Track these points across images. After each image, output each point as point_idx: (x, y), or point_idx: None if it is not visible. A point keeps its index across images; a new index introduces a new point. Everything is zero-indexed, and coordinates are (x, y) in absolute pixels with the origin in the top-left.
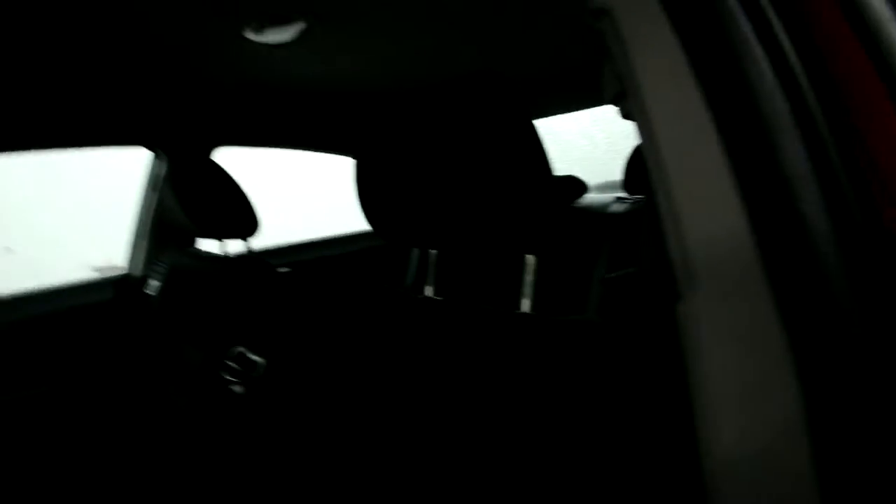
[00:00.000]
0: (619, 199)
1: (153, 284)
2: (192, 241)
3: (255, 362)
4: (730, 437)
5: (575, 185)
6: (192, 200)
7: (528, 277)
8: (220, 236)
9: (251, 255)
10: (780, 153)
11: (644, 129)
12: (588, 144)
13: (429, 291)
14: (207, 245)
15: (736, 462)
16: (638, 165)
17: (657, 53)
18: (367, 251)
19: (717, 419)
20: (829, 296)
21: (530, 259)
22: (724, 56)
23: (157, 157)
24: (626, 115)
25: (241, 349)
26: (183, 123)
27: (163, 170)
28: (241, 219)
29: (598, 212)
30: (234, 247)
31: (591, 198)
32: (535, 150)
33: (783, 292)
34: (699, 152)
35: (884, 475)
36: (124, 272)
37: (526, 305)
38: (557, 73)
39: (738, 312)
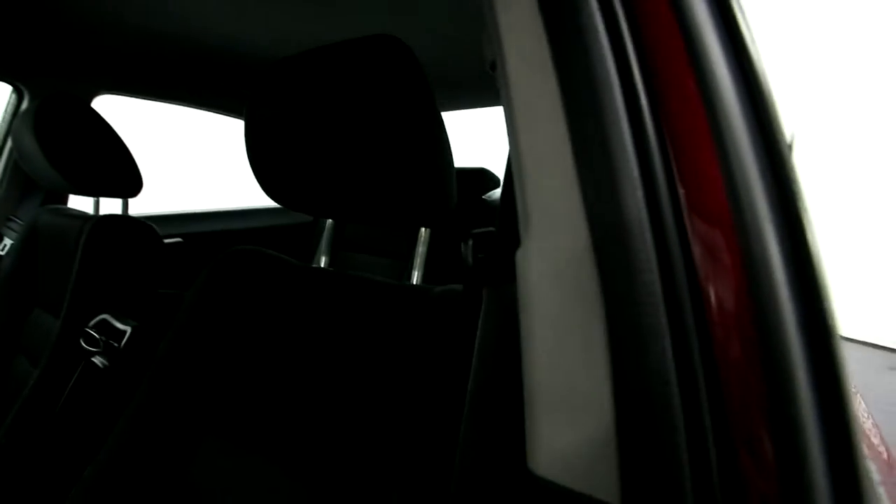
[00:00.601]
0: None
1: (6, 242)
2: (61, 199)
3: (121, 331)
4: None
5: (485, 178)
6: (61, 148)
7: (420, 248)
8: (90, 192)
9: (129, 217)
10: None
11: (505, 99)
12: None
13: (323, 262)
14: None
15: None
16: None
17: (521, 27)
18: (273, 229)
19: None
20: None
21: (423, 232)
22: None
23: (18, 94)
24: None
25: (106, 316)
26: (59, 58)
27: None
28: (121, 175)
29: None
30: (110, 208)
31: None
32: (431, 125)
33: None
34: (547, 128)
35: None
36: None
37: (416, 277)
38: (460, 62)
39: (560, 246)
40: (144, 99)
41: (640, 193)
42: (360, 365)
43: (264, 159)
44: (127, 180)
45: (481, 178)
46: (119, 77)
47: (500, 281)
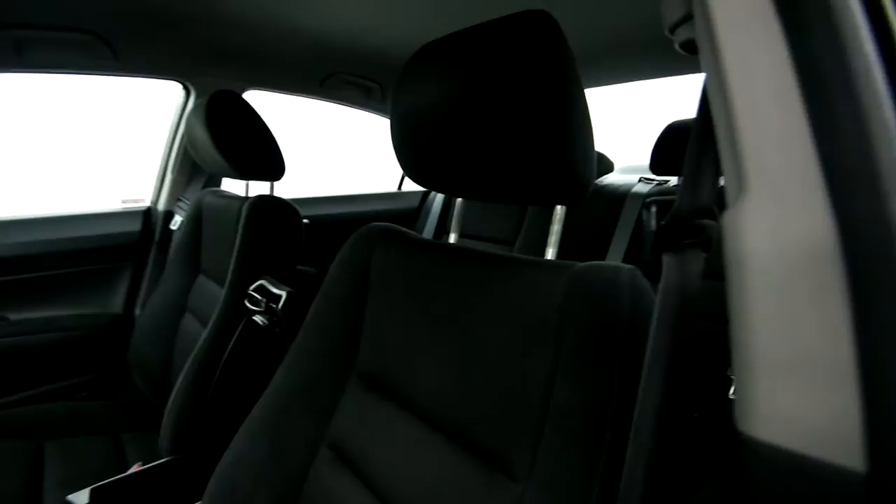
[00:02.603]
0: (643, 179)
1: (177, 220)
2: (217, 182)
3: (277, 295)
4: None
5: (601, 163)
6: (224, 137)
7: (556, 227)
8: (247, 176)
9: (278, 198)
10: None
11: (710, 53)
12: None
13: (452, 239)
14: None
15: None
16: (669, 145)
17: None
18: (380, 215)
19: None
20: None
21: (559, 210)
22: None
23: (187, 92)
24: (685, 44)
25: (264, 282)
26: (217, 60)
27: (193, 106)
28: (269, 161)
29: (622, 191)
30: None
31: (611, 178)
32: (576, 102)
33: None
34: (769, 79)
35: None
36: (147, 206)
37: (550, 253)
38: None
39: (787, 207)
40: (284, 93)
41: None
42: (501, 333)
43: (407, 141)
44: (274, 165)
45: (598, 162)
46: (264, 74)
47: (681, 246)
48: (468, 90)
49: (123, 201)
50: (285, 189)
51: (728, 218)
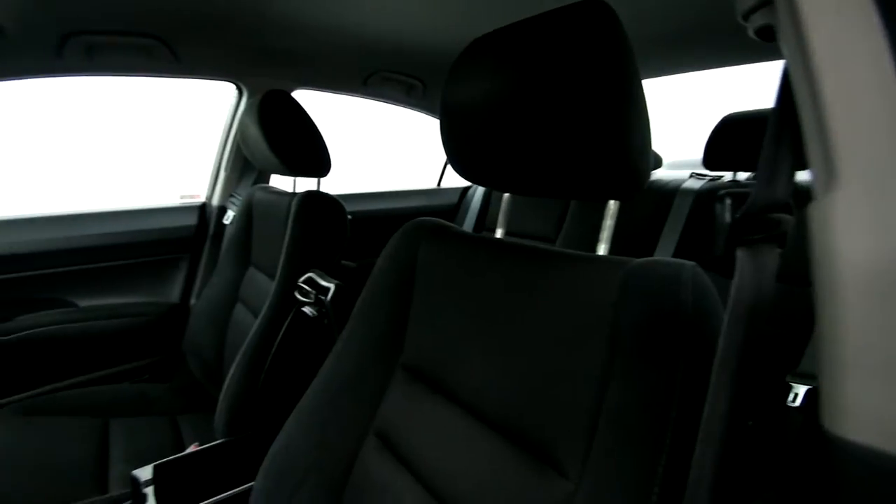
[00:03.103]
0: (695, 175)
1: (230, 214)
2: (266, 179)
3: (326, 287)
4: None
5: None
6: (275, 134)
7: (609, 222)
8: (295, 172)
9: (325, 194)
10: None
11: (794, 43)
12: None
13: (499, 234)
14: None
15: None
16: (725, 139)
17: None
18: (419, 211)
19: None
20: None
21: (612, 205)
22: None
23: (240, 92)
24: (761, 31)
25: (313, 274)
26: (267, 61)
27: (246, 105)
28: (317, 157)
29: (672, 187)
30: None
31: (659, 174)
32: (634, 94)
33: None
34: (862, 65)
35: None
36: (202, 201)
37: (602, 249)
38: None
39: (889, 209)
40: (329, 92)
41: None
42: (551, 328)
43: (457, 137)
44: (321, 162)
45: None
46: (311, 74)
47: (755, 241)
48: (522, 83)
49: (181, 197)
50: (327, 186)
51: (815, 210)
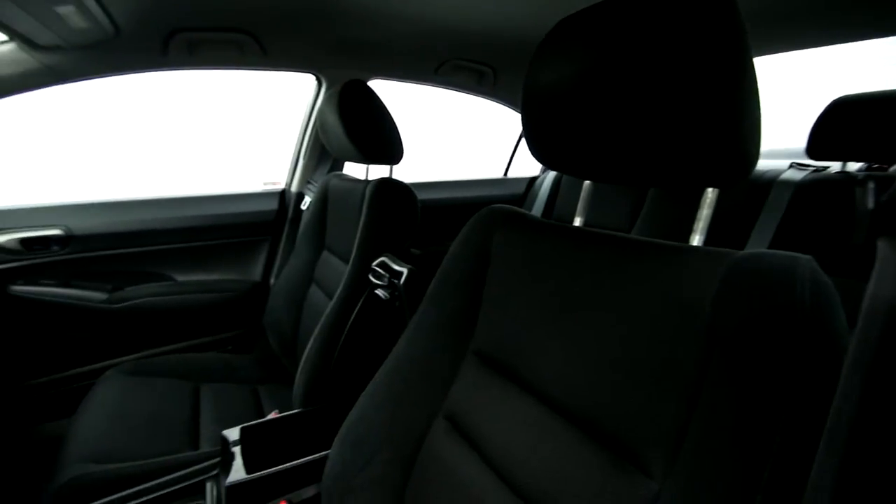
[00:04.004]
0: (796, 165)
1: (307, 200)
2: (340, 167)
3: (399, 271)
4: None
5: None
6: (353, 123)
7: (706, 211)
8: (370, 160)
9: (398, 181)
10: None
11: None
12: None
13: (577, 222)
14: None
15: None
16: (833, 126)
17: None
18: (485, 200)
19: None
20: None
21: (710, 192)
22: None
23: (319, 83)
24: None
25: (385, 259)
26: (345, 52)
27: (326, 95)
28: (391, 145)
29: (769, 178)
30: (374, 174)
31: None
32: (744, 74)
33: None
34: None
35: None
36: (282, 188)
37: (697, 240)
38: None
39: None
40: (401, 81)
41: None
42: (639, 321)
43: (541, 123)
44: (394, 149)
45: None
46: (385, 64)
47: None
48: (617, 64)
49: (264, 184)
50: (396, 175)
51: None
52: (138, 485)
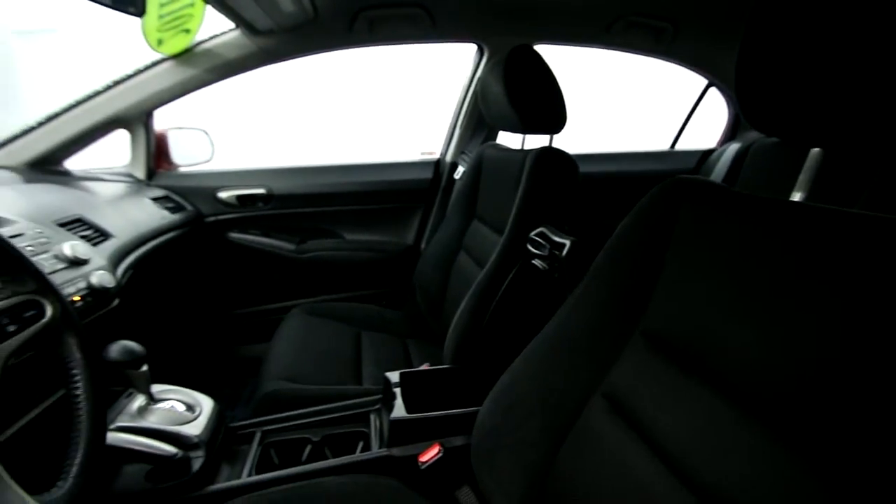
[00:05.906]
0: None
1: (460, 170)
2: (494, 137)
3: (560, 243)
4: None
5: None
6: (517, 90)
7: None
8: (529, 129)
9: (560, 151)
10: None
11: None
12: None
13: (797, 198)
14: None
15: None
16: None
17: None
18: (647, 175)
19: None
20: None
21: None
22: None
23: (480, 53)
24: None
25: (544, 229)
26: (507, 19)
27: (490, 63)
28: (553, 113)
29: None
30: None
31: None
32: None
33: None
34: None
35: None
36: (437, 157)
37: None
38: None
39: None
40: (569, 45)
41: None
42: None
43: (759, 80)
44: (556, 118)
45: None
46: (551, 27)
47: None
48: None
49: (421, 153)
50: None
51: None
52: (317, 405)
